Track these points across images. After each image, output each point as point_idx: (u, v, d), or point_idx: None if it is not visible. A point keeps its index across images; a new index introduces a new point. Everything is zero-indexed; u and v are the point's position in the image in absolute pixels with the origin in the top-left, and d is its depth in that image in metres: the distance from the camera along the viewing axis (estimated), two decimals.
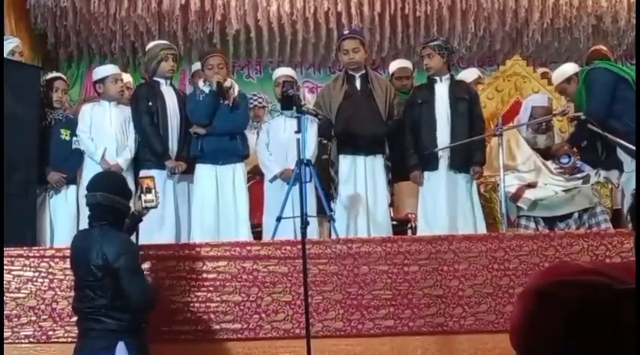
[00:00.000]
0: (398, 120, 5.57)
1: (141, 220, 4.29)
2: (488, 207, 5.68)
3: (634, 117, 5.09)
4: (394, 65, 6.40)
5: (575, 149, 5.82)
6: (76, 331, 3.95)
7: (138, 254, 3.98)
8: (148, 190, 4.19)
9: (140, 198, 4.20)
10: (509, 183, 5.45)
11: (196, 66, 6.38)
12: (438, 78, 5.55)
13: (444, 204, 5.38)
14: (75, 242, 4.01)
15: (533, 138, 5.97)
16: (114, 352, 3.67)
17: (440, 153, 5.41)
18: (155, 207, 4.28)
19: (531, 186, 5.62)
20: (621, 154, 5.59)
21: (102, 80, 5.65)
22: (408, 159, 5.51)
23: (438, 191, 5.43)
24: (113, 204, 3.86)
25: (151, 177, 4.46)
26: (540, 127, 5.97)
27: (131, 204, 4.08)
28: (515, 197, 5.51)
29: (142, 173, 5.27)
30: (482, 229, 5.37)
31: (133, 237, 4.58)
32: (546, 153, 5.93)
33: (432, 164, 5.45)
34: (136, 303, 3.75)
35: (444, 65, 5.57)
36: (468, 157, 5.45)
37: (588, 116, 5.40)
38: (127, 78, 6.36)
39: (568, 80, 5.86)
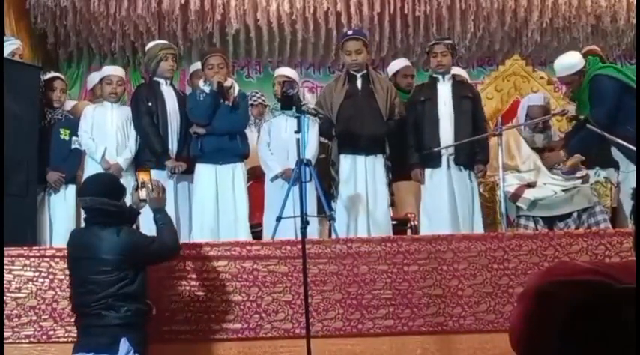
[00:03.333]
0: (399, 120, 5.57)
1: (138, 213, 4.19)
2: (488, 207, 5.69)
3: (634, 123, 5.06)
4: (399, 63, 6.32)
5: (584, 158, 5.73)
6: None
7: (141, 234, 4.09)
8: (143, 185, 4.09)
9: (136, 191, 4.11)
10: (509, 182, 5.45)
11: (194, 66, 6.38)
12: (441, 77, 5.56)
13: (446, 201, 5.38)
14: (74, 240, 3.98)
15: (530, 138, 5.96)
16: (117, 348, 3.66)
17: (443, 150, 5.41)
18: (147, 202, 4.12)
19: (531, 185, 5.62)
20: (616, 154, 5.59)
21: (100, 81, 5.79)
22: (409, 157, 5.50)
23: (440, 188, 5.43)
24: (102, 206, 3.85)
25: (146, 171, 4.34)
26: (537, 126, 5.97)
27: (128, 199, 4.09)
28: (515, 197, 5.51)
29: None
30: (479, 228, 5.38)
31: None
32: (545, 152, 5.92)
33: (434, 161, 5.45)
34: (168, 245, 3.99)
35: (451, 65, 5.63)
36: (472, 155, 5.46)
37: (593, 122, 5.37)
38: (119, 72, 6.04)
39: (579, 72, 5.63)
